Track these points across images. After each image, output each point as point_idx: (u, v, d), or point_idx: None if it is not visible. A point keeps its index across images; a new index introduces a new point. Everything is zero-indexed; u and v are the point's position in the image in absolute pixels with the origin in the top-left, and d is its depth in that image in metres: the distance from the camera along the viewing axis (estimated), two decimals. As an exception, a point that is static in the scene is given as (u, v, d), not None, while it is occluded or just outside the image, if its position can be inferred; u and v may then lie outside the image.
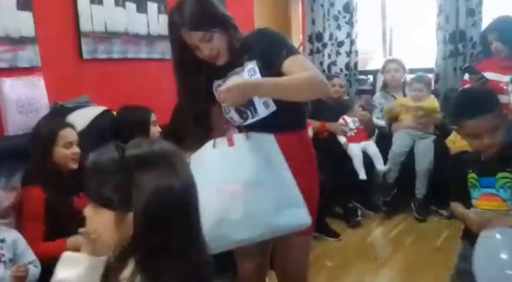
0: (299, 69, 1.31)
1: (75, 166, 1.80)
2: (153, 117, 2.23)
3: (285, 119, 1.40)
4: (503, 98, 2.24)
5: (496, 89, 2.32)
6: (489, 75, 2.37)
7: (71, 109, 2.29)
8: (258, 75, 1.36)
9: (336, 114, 3.30)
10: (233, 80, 1.29)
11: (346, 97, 3.64)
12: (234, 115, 1.44)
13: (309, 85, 1.30)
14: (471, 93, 1.68)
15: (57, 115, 2.22)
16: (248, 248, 1.41)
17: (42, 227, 1.71)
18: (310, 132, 2.85)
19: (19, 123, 2.17)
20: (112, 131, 2.16)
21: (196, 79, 1.41)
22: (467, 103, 1.43)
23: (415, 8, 4.19)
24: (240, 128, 1.46)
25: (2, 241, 1.56)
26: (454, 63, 3.51)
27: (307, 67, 1.35)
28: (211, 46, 1.32)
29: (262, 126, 1.40)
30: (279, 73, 1.33)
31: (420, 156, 3.09)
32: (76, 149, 1.80)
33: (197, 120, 1.45)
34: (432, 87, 3.45)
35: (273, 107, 1.39)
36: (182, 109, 1.54)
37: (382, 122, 3.38)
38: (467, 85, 2.48)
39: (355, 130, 3.23)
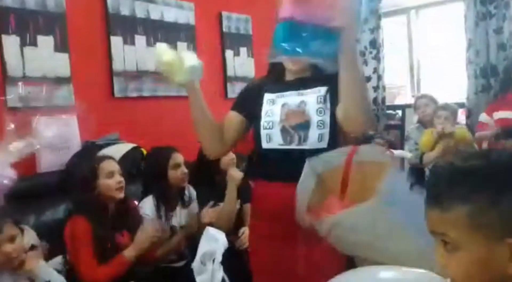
0: None
1: (121, 195, 1.81)
2: (177, 159, 2.09)
3: None
4: None
5: (507, 125, 2.26)
6: (505, 114, 2.31)
7: (102, 147, 2.33)
8: (327, 104, 1.27)
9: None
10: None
11: (372, 132, 3.58)
12: (275, 135, 1.29)
13: (366, 101, 1.19)
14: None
15: (88, 152, 2.26)
16: None
17: (93, 253, 1.69)
18: None
19: (51, 161, 2.22)
20: (140, 170, 2.17)
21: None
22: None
23: (443, 42, 4.17)
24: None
25: None
26: (486, 98, 3.42)
27: None
28: None
29: (296, 162, 1.22)
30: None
31: None
32: (119, 178, 1.82)
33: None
34: (464, 122, 3.35)
35: (324, 144, 1.26)
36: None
37: (408, 154, 3.24)
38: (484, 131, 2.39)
39: None
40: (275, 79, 1.34)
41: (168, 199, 2.06)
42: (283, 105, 1.29)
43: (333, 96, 1.24)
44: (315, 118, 1.26)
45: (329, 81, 1.24)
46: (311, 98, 1.28)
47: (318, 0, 0.96)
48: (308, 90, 1.30)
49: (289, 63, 1.30)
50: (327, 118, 1.26)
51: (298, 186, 1.13)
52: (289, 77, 1.34)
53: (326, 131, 1.26)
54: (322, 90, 1.27)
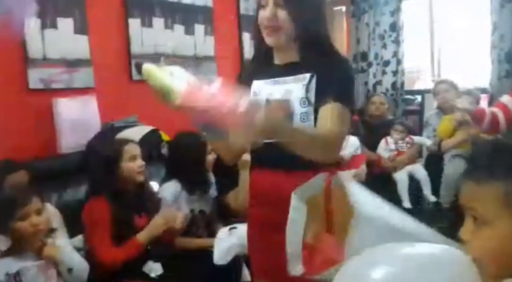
0: (329, 120, 1.15)
1: (141, 178, 1.85)
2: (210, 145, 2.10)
3: None
4: None
5: None
6: None
7: (121, 129, 2.35)
8: (311, 93, 1.20)
9: (380, 134, 3.20)
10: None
11: (391, 117, 3.54)
12: None
13: (324, 144, 1.12)
14: None
15: (108, 134, 2.29)
16: None
17: (109, 235, 1.72)
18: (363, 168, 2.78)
19: (72, 142, 2.25)
20: (160, 153, 2.18)
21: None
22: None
23: (466, 26, 4.05)
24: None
25: (70, 270, 1.52)
26: (510, 83, 3.33)
27: (338, 123, 1.17)
28: (274, 12, 1.17)
29: (282, 152, 1.14)
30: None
31: None
32: (141, 162, 1.85)
33: None
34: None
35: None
36: None
37: (428, 141, 3.20)
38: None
39: (396, 152, 3.11)
40: (263, 62, 1.30)
41: (196, 184, 2.08)
42: (268, 95, 1.25)
43: (319, 83, 1.20)
44: (298, 110, 1.21)
45: (316, 67, 1.20)
46: (296, 88, 1.22)
47: (212, 111, 0.94)
48: (294, 78, 1.24)
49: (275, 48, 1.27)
50: (311, 109, 1.19)
51: (287, 225, 1.05)
52: (277, 60, 1.29)
53: (311, 124, 1.20)
54: (307, 77, 1.21)
